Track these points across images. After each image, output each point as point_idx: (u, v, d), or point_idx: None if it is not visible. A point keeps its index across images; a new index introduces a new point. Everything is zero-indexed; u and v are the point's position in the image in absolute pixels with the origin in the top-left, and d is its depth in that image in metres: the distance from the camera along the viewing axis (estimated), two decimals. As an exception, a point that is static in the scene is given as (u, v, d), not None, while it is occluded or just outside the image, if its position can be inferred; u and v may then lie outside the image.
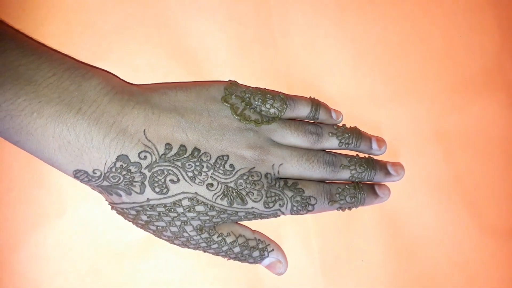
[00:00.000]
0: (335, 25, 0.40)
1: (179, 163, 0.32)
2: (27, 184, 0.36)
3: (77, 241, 0.37)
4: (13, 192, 0.36)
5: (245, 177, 0.34)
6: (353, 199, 0.37)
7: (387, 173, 0.39)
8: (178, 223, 0.33)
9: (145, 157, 0.31)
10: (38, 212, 0.36)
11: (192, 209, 0.33)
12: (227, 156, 0.33)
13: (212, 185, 0.33)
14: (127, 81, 0.37)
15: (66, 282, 0.37)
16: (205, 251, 0.35)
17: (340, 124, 0.39)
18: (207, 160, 0.33)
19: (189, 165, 0.32)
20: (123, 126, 0.31)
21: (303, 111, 0.37)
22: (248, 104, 0.35)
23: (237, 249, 0.35)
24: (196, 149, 0.33)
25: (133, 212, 0.33)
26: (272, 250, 0.37)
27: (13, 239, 0.36)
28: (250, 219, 0.35)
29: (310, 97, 0.38)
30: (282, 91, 0.38)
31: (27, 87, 0.29)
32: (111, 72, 0.36)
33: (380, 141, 0.39)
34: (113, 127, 0.31)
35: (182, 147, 0.32)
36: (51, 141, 0.30)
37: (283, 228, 0.39)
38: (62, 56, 0.33)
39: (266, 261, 0.37)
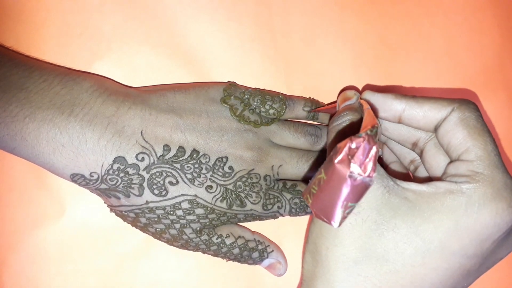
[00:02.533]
0: (335, 25, 0.40)
1: (178, 165, 0.32)
2: (27, 184, 0.36)
3: (77, 241, 0.37)
4: (13, 192, 0.36)
5: (244, 179, 0.34)
6: None
7: None
8: (177, 225, 0.33)
9: (143, 159, 0.31)
10: (38, 212, 0.36)
11: (191, 212, 0.33)
12: (226, 157, 0.33)
13: (211, 187, 0.33)
14: (127, 81, 0.37)
15: (66, 282, 0.37)
16: (204, 253, 0.35)
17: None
18: (206, 162, 0.33)
19: (188, 167, 0.32)
20: (119, 127, 0.31)
21: (302, 112, 0.37)
22: (247, 105, 0.35)
23: (236, 251, 0.35)
24: (195, 150, 0.33)
25: (132, 215, 0.33)
26: (272, 251, 0.37)
27: (13, 239, 0.36)
28: (249, 220, 0.35)
29: (310, 97, 0.38)
30: (281, 92, 0.38)
31: (19, 94, 0.29)
32: (112, 72, 0.36)
33: (380, 144, 0.39)
34: (108, 128, 0.31)
35: (181, 149, 0.32)
36: (45, 145, 0.30)
37: (282, 229, 0.39)
38: (53, 65, 0.34)
39: (266, 262, 0.37)
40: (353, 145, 0.22)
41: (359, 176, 0.22)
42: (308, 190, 0.25)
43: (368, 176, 0.22)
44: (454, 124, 0.29)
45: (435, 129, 0.30)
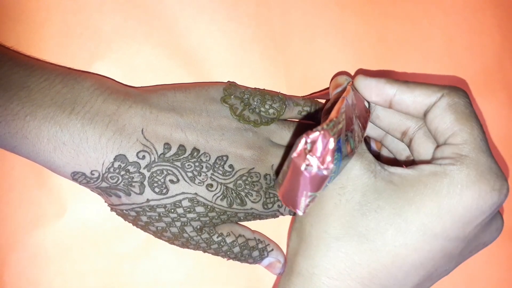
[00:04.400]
0: (335, 25, 0.40)
1: (178, 163, 0.32)
2: (27, 184, 0.36)
3: (77, 241, 0.37)
4: (13, 192, 0.36)
5: (244, 178, 0.34)
6: None
7: None
8: (178, 224, 0.33)
9: (144, 157, 0.31)
10: (38, 212, 0.36)
11: (192, 210, 0.33)
12: (227, 156, 0.33)
13: (211, 185, 0.33)
14: (127, 81, 0.37)
15: (66, 282, 0.37)
16: (205, 251, 0.35)
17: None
18: (206, 160, 0.33)
19: (188, 165, 0.32)
20: (120, 126, 0.31)
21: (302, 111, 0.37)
22: (247, 104, 0.36)
23: (236, 249, 0.35)
24: (195, 149, 0.33)
25: (133, 213, 0.33)
26: (272, 250, 0.37)
27: (13, 239, 0.36)
28: (249, 219, 0.35)
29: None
30: (281, 92, 0.38)
31: (20, 93, 0.30)
32: (112, 72, 0.36)
33: (378, 143, 0.39)
34: (109, 126, 0.31)
35: (181, 147, 0.32)
36: (46, 143, 0.30)
37: (282, 228, 0.39)
38: (54, 65, 0.34)
39: (266, 261, 0.37)
40: (309, 140, 0.23)
41: (315, 169, 0.23)
42: (277, 181, 0.27)
43: (326, 168, 0.23)
44: (442, 109, 0.29)
45: (425, 115, 0.30)
